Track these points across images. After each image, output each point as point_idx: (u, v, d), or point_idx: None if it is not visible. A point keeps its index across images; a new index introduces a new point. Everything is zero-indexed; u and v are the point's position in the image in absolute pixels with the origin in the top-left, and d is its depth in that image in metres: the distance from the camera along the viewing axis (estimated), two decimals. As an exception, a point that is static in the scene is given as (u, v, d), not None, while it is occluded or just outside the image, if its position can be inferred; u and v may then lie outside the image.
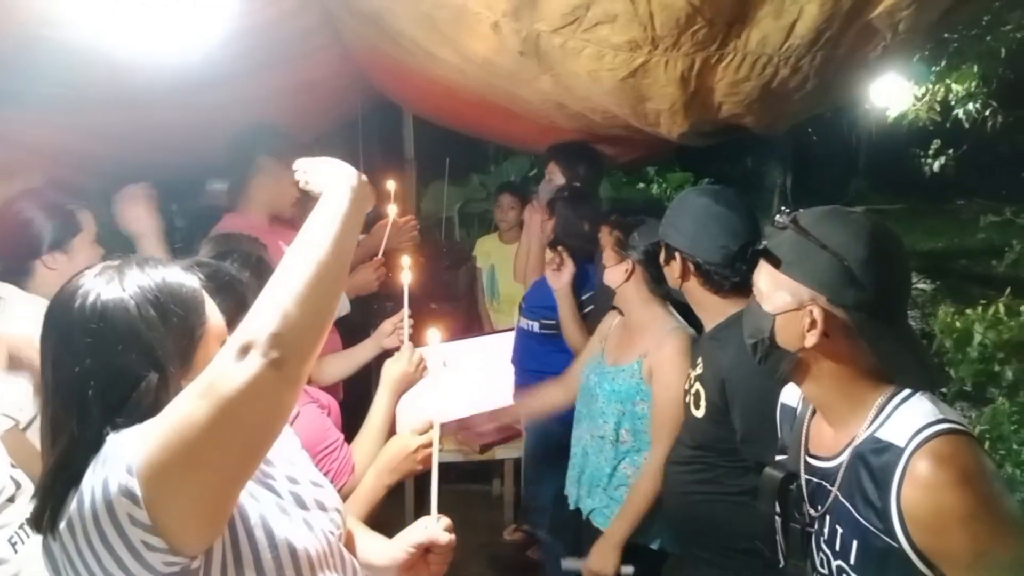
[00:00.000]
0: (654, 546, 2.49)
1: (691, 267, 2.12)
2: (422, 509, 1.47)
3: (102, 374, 1.09)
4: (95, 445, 1.06)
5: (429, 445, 1.83)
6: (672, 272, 2.18)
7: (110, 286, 1.12)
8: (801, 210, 1.46)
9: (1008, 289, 3.43)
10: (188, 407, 0.98)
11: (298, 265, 1.09)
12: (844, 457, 1.44)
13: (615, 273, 2.60)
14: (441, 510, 1.47)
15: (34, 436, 1.85)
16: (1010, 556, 1.26)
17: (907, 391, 1.41)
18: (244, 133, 3.16)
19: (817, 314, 1.38)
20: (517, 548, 4.12)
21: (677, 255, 2.13)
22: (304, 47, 2.94)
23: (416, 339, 2.29)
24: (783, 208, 1.49)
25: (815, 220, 1.43)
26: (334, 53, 3.19)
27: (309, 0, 2.53)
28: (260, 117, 3.24)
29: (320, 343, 1.09)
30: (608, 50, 1.96)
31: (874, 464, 1.36)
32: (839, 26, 1.81)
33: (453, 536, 1.45)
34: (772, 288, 1.45)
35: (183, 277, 1.19)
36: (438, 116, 4.62)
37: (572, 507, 2.76)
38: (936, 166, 6.28)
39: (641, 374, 2.52)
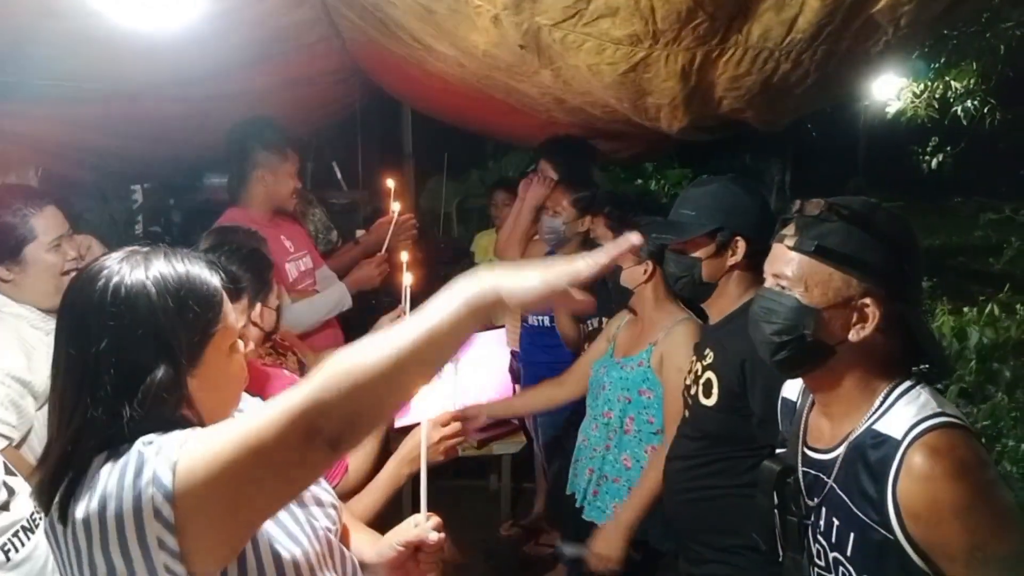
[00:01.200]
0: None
1: (750, 252, 2.05)
2: (418, 507, 1.47)
3: (115, 356, 1.09)
4: (104, 429, 1.06)
5: (450, 436, 1.88)
6: (727, 260, 2.09)
7: (135, 271, 1.13)
8: (831, 200, 1.43)
9: (1007, 286, 3.41)
10: (242, 458, 0.97)
11: (383, 359, 1.01)
12: (841, 450, 1.44)
13: (635, 274, 2.57)
14: (438, 506, 1.47)
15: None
16: (1005, 549, 1.26)
17: (907, 384, 1.41)
18: (239, 127, 3.16)
19: (873, 308, 1.37)
20: (514, 544, 4.12)
21: (741, 242, 2.06)
22: (301, 40, 2.93)
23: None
24: (817, 199, 1.44)
25: (864, 211, 1.41)
26: (332, 46, 3.18)
27: (307, -8, 2.52)
28: (257, 111, 3.23)
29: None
30: (609, 44, 1.95)
31: (871, 457, 1.36)
32: (841, 21, 1.80)
33: (443, 535, 1.45)
34: (814, 280, 1.40)
35: (205, 274, 1.20)
36: (436, 111, 4.61)
37: (570, 492, 2.79)
38: (934, 163, 6.28)
39: (649, 362, 2.52)
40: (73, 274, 2.11)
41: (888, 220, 1.42)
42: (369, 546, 1.53)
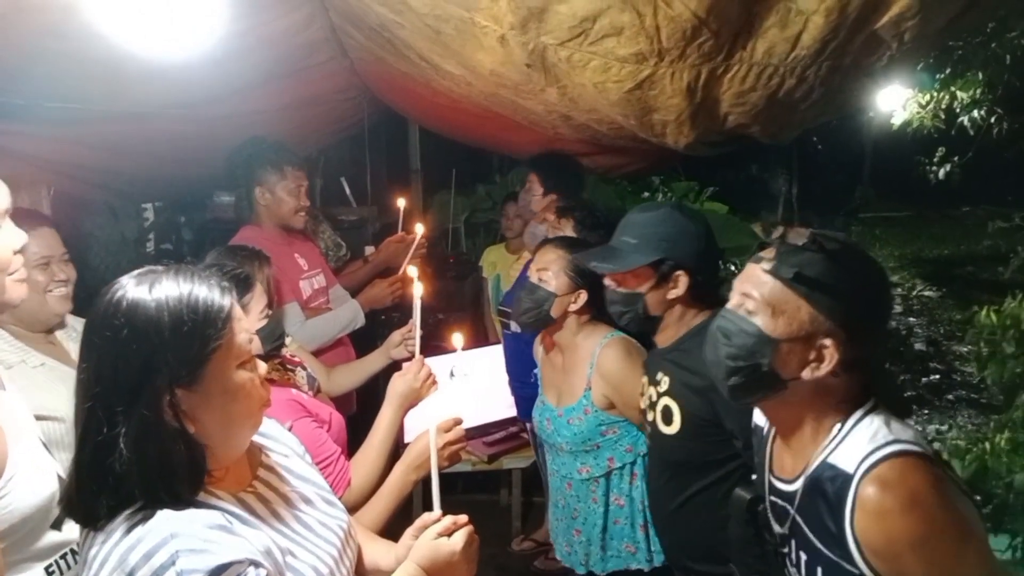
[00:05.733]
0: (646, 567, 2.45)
1: (693, 284, 2.02)
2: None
3: (109, 368, 1.13)
4: (112, 439, 1.10)
5: (455, 442, 1.89)
6: (668, 293, 2.04)
7: (139, 287, 1.16)
8: (816, 232, 1.40)
9: (1021, 295, 3.37)
10: None
11: None
12: (800, 482, 1.42)
13: (565, 302, 2.45)
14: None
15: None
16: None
17: (859, 413, 1.38)
18: (240, 147, 3.20)
19: (831, 350, 1.34)
20: (525, 558, 4.11)
21: (683, 276, 2.01)
22: (310, 60, 2.96)
23: (423, 350, 2.30)
24: (802, 223, 1.44)
25: (845, 250, 1.38)
26: (340, 66, 3.20)
27: (315, 14, 2.54)
28: (266, 129, 3.26)
29: None
30: (614, 62, 1.96)
31: (828, 491, 1.34)
32: (844, 36, 1.81)
33: (446, 516, 1.47)
34: (781, 309, 1.36)
35: (212, 293, 1.21)
36: (443, 128, 4.63)
37: (563, 559, 2.63)
38: (941, 173, 6.26)
39: (595, 406, 2.40)
40: (62, 292, 2.15)
41: (864, 263, 1.41)
42: (384, 554, 1.55)
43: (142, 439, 1.11)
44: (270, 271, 2.30)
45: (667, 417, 2.05)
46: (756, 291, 1.40)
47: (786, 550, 1.48)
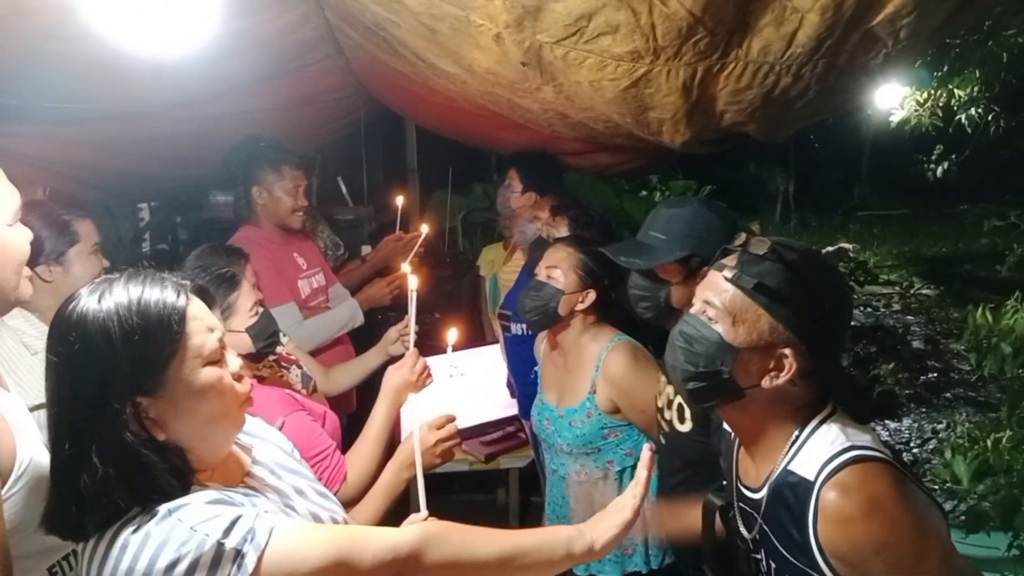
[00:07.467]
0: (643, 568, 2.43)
1: None
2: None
3: (69, 384, 1.11)
4: (81, 456, 1.09)
5: (447, 439, 1.90)
6: (694, 289, 2.05)
7: (90, 298, 1.13)
8: (777, 240, 1.41)
9: (1017, 292, 3.38)
10: (329, 569, 1.14)
11: (492, 558, 1.29)
12: (765, 491, 1.42)
13: (572, 300, 2.44)
14: (446, 519, 1.48)
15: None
16: None
17: (817, 419, 1.38)
18: (238, 146, 3.20)
19: (791, 360, 1.34)
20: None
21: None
22: (306, 59, 2.95)
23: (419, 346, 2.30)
24: (763, 237, 1.41)
25: (806, 260, 1.38)
26: (336, 64, 3.20)
27: (311, 13, 2.54)
28: (262, 129, 3.26)
29: None
30: (610, 60, 1.95)
31: (790, 499, 1.34)
32: (840, 34, 1.81)
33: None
34: (742, 318, 1.36)
35: (164, 295, 1.17)
36: (440, 127, 4.62)
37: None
38: (939, 171, 6.25)
39: (599, 409, 2.39)
40: None
41: (826, 273, 1.41)
42: None
43: (113, 452, 1.09)
44: (250, 270, 2.28)
45: (681, 415, 2.06)
46: (717, 299, 1.39)
47: (758, 556, 1.48)
